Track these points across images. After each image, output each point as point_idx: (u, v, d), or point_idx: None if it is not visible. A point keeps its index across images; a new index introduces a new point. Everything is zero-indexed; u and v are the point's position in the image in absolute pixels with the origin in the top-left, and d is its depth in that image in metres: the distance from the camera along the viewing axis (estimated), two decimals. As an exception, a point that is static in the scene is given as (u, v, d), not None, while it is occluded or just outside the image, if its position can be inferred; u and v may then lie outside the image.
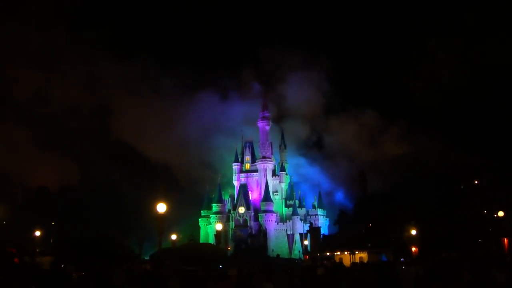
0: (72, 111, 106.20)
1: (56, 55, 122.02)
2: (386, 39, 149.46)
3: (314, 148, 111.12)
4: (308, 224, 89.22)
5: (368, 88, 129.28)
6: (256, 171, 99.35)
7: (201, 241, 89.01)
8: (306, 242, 75.65)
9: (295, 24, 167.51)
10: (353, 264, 24.59)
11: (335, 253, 59.13)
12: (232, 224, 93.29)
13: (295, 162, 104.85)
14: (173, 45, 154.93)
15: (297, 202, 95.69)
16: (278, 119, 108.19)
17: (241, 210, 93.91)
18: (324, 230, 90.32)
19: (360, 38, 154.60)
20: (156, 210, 24.04)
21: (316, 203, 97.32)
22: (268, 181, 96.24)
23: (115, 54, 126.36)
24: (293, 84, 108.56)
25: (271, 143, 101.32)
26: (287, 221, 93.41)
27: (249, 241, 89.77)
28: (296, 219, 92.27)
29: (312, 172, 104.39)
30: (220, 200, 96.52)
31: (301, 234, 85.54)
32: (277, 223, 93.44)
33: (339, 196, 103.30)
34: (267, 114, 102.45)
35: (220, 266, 28.71)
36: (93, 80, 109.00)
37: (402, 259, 40.23)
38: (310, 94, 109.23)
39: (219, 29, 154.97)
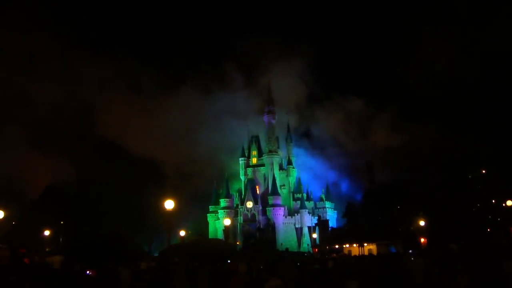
0: (56, 111, 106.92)
1: (37, 56, 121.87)
2: (374, 29, 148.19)
3: (306, 138, 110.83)
4: (316, 217, 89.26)
5: (357, 76, 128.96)
6: (263, 165, 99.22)
7: (209, 237, 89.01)
8: (314, 235, 75.79)
9: (273, 12, 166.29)
10: (362, 256, 24.55)
11: (344, 246, 59.20)
12: (240, 218, 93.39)
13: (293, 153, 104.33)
14: (153, 41, 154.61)
15: (304, 195, 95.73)
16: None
17: (249, 204, 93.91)
18: (332, 223, 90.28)
19: (346, 28, 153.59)
20: (164, 207, 24.20)
21: (323, 196, 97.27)
22: (275, 175, 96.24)
23: (95, 52, 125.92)
24: (277, 74, 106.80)
25: (277, 137, 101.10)
26: (295, 214, 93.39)
27: (257, 235, 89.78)
28: (304, 212, 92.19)
29: (312, 163, 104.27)
30: (228, 195, 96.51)
31: (309, 227, 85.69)
32: (285, 217, 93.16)
33: (344, 186, 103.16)
34: (272, 107, 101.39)
35: (228, 261, 28.69)
36: (74, 79, 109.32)
37: (410, 251, 40.12)
38: (295, 84, 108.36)
39: (198, 23, 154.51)
